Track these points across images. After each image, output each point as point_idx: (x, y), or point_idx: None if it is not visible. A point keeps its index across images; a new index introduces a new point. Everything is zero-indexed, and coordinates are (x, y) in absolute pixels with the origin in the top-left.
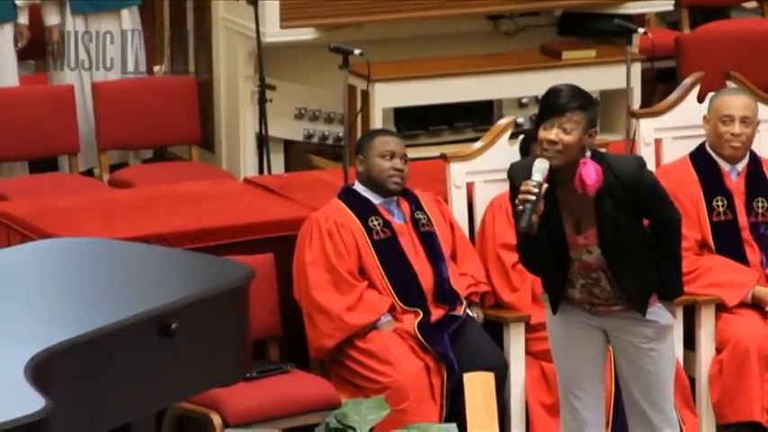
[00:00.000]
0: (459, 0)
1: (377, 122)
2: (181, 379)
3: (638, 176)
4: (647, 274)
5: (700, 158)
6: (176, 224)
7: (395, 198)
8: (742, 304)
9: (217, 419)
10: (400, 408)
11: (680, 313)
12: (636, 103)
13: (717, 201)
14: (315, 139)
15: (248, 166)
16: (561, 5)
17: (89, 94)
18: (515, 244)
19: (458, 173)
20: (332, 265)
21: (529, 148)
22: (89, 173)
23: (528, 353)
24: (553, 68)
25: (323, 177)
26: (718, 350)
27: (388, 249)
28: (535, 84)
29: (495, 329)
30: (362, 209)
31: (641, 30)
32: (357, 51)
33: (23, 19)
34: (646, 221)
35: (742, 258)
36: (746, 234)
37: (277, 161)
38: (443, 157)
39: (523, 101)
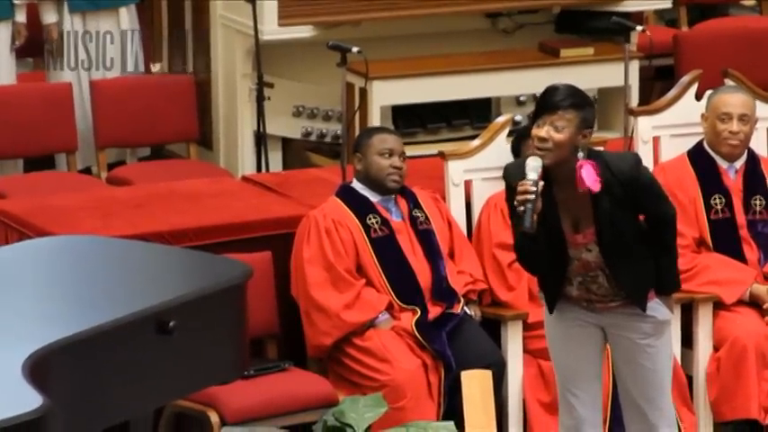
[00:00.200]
0: None
1: (375, 120)
2: (178, 377)
3: (634, 173)
4: (646, 271)
5: (698, 156)
6: (174, 222)
7: (393, 196)
8: (740, 302)
9: (214, 417)
10: (398, 405)
11: (677, 311)
12: (634, 100)
13: (715, 198)
14: (313, 137)
15: (246, 164)
16: (559, 3)
17: (87, 92)
18: (512, 244)
19: (456, 171)
20: (330, 263)
21: (520, 147)
22: (87, 171)
23: (525, 351)
24: (551, 66)
25: (321, 175)
26: (716, 348)
27: (386, 247)
28: (533, 82)
29: (493, 327)
30: (360, 207)
31: (639, 27)
32: (355, 49)
33: (21, 17)
34: (641, 217)
35: (740, 256)
36: (744, 232)
37: (275, 159)
38: (441, 155)
39: (521, 99)
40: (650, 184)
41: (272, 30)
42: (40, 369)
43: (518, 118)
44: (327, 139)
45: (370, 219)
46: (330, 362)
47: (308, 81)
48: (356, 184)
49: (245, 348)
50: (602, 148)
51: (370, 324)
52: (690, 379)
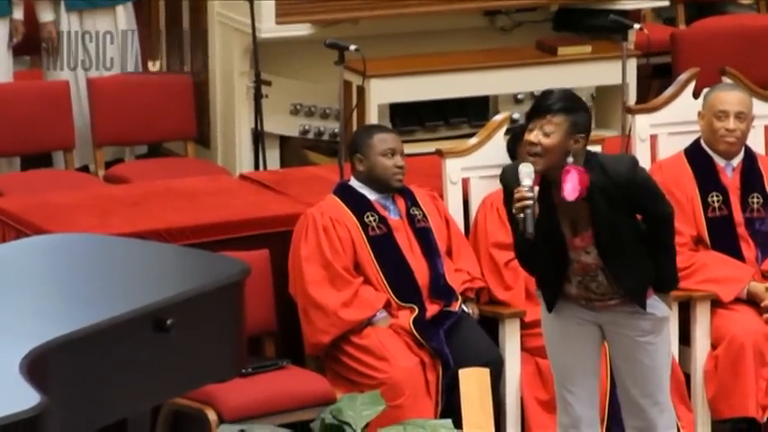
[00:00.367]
0: None
1: (372, 118)
2: (176, 375)
3: (631, 175)
4: (644, 269)
5: (695, 154)
6: (172, 220)
7: (391, 194)
8: (737, 300)
9: (212, 415)
10: (395, 403)
11: (675, 309)
12: (631, 98)
13: (712, 196)
14: (310, 135)
15: (244, 162)
16: (557, 1)
17: (84, 90)
18: (508, 243)
19: (453, 169)
20: (327, 261)
21: (516, 148)
22: (84, 169)
23: (523, 349)
24: (549, 64)
25: (318, 173)
26: (714, 346)
27: (384, 245)
28: (531, 80)
29: (491, 325)
30: (358, 205)
31: (637, 25)
32: (353, 47)
33: (19, 14)
34: (638, 216)
35: (737, 254)
36: (742, 230)
37: (272, 157)
38: (439, 153)
39: (519, 96)
40: (647, 185)
41: (269, 28)
42: (37, 367)
43: (516, 116)
44: (325, 137)
45: (367, 217)
46: (328, 360)
47: (306, 79)
48: (354, 183)
49: (243, 346)
50: (599, 148)
51: (368, 322)
52: (687, 377)
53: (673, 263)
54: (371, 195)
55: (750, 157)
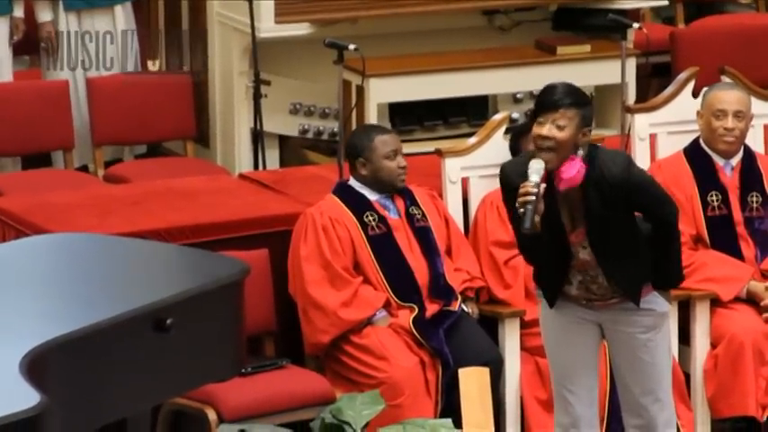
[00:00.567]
0: None
1: (372, 118)
2: (176, 374)
3: (626, 175)
4: (639, 267)
5: (694, 153)
6: (171, 219)
7: (390, 193)
8: (737, 299)
9: (212, 415)
10: (395, 403)
11: (675, 308)
12: (631, 98)
13: (711, 195)
14: (310, 135)
15: (243, 162)
16: (556, 1)
17: (83, 90)
18: (509, 242)
19: (453, 168)
20: (327, 261)
21: (518, 146)
22: (83, 169)
23: (523, 348)
24: (548, 63)
25: (318, 173)
26: (713, 345)
27: (384, 245)
28: (530, 79)
29: (490, 325)
30: (357, 204)
31: (636, 25)
32: (352, 47)
33: (19, 12)
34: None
35: (737, 253)
36: (741, 229)
37: (272, 156)
38: (438, 153)
39: (518, 96)
40: (646, 186)
41: (268, 27)
42: (37, 366)
43: (515, 115)
44: (324, 137)
45: (367, 216)
46: (327, 359)
47: (305, 78)
48: (353, 182)
49: (243, 346)
50: (599, 146)
51: (368, 322)
52: (687, 376)
53: (678, 261)
54: (371, 195)
55: (749, 156)
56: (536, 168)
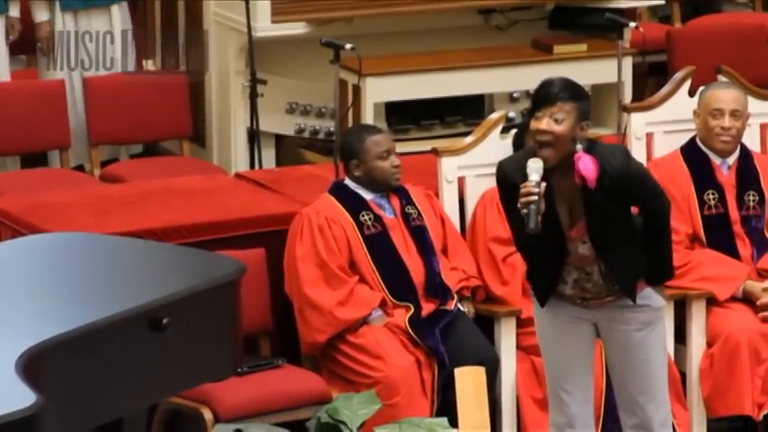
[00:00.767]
0: None
1: (368, 117)
2: (172, 374)
3: (624, 168)
4: (636, 262)
5: (691, 152)
6: (168, 219)
7: (386, 193)
8: (733, 298)
9: (208, 414)
10: (391, 402)
11: (671, 307)
12: (627, 97)
13: (708, 194)
14: (306, 134)
15: (239, 161)
16: (552, 0)
17: (79, 89)
18: (507, 238)
19: (449, 167)
20: (322, 261)
21: (522, 142)
22: (80, 169)
23: (519, 347)
24: (544, 63)
25: (314, 172)
26: (709, 344)
27: (379, 244)
28: (526, 78)
29: (486, 324)
30: (353, 204)
31: (632, 24)
32: (348, 46)
33: (15, 12)
34: (634, 210)
35: (733, 252)
36: (738, 228)
37: (268, 156)
38: (434, 152)
39: (515, 95)
40: (643, 179)
41: (265, 27)
42: (33, 366)
43: (511, 114)
44: (320, 136)
45: (363, 216)
46: (323, 359)
47: (302, 78)
48: (349, 182)
49: (239, 345)
50: (597, 141)
51: (364, 321)
52: (683, 375)
53: (669, 256)
54: (367, 194)
55: (746, 155)
56: (535, 168)
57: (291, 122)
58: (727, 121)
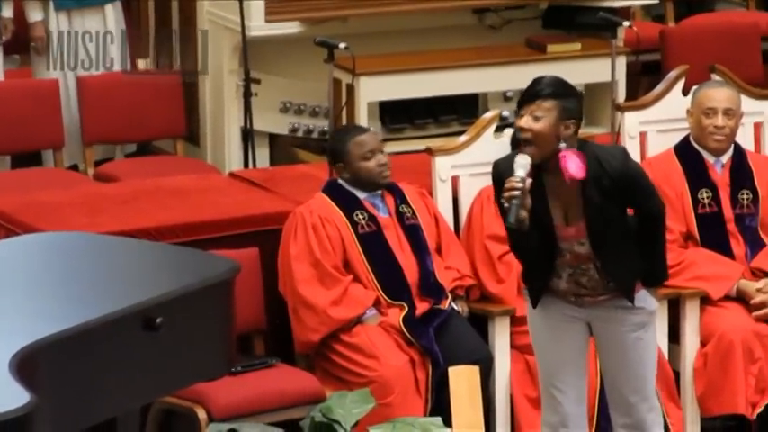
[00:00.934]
0: None
1: (362, 116)
2: (166, 373)
3: (623, 168)
4: (634, 263)
5: (684, 151)
6: (161, 218)
7: (379, 192)
8: (727, 297)
9: (202, 413)
10: (385, 401)
11: (665, 306)
12: (621, 96)
13: (702, 193)
14: (300, 133)
15: (233, 160)
16: None
17: (73, 88)
18: (503, 236)
19: (443, 166)
20: (316, 260)
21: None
22: (73, 168)
23: (513, 346)
24: (538, 62)
25: (308, 171)
26: (703, 343)
27: (373, 243)
28: (520, 77)
29: (481, 323)
30: (347, 203)
31: (626, 23)
32: (342, 45)
33: (8, 12)
34: (629, 211)
35: (727, 250)
36: (732, 226)
37: (262, 155)
38: (428, 151)
39: (508, 94)
40: (638, 178)
41: (259, 26)
42: (27, 366)
43: (505, 113)
44: (314, 135)
45: (357, 215)
46: (317, 358)
47: (295, 77)
48: (342, 182)
49: (233, 344)
50: (590, 142)
51: (358, 320)
52: (677, 374)
53: (663, 258)
54: (360, 194)
55: (739, 153)
56: (521, 163)
57: (285, 122)
58: (720, 120)
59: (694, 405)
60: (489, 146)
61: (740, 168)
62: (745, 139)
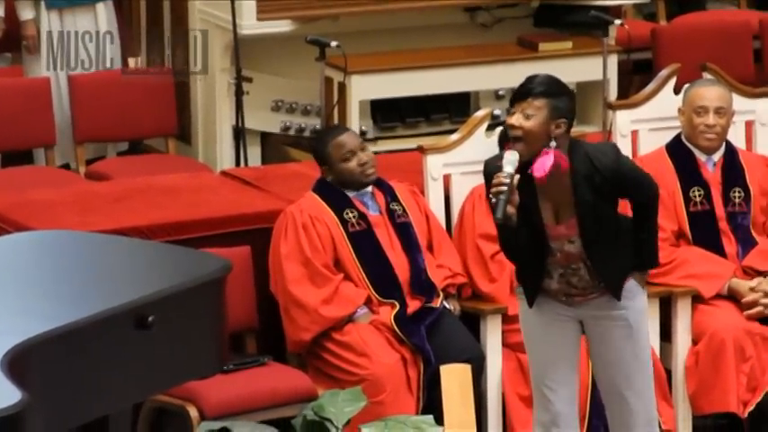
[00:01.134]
0: None
1: (353, 114)
2: (158, 371)
3: (614, 164)
4: (624, 260)
5: (676, 149)
6: (153, 217)
7: (369, 190)
8: (718, 296)
9: (193, 412)
10: (377, 400)
11: (656, 304)
12: (612, 94)
13: (693, 191)
14: (292, 132)
15: (225, 159)
16: None
17: (65, 87)
18: (496, 235)
19: (435, 165)
20: (307, 259)
21: (506, 141)
22: (65, 167)
23: (505, 345)
24: (530, 60)
25: (300, 170)
26: (695, 342)
27: (364, 241)
28: (512, 75)
29: (472, 321)
30: (337, 201)
31: (618, 21)
32: (334, 43)
33: None
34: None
35: (719, 249)
36: (723, 224)
37: (254, 153)
38: (420, 150)
39: (500, 93)
40: (631, 173)
41: (250, 24)
42: (18, 364)
43: (497, 112)
44: (306, 134)
45: (347, 213)
46: (309, 356)
47: (287, 76)
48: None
49: (225, 343)
50: (582, 140)
51: (349, 319)
52: (668, 372)
53: (655, 241)
54: (350, 192)
55: (731, 152)
56: (510, 159)
57: (277, 120)
58: (711, 119)
59: (686, 403)
60: (481, 144)
61: (732, 167)
62: (736, 137)
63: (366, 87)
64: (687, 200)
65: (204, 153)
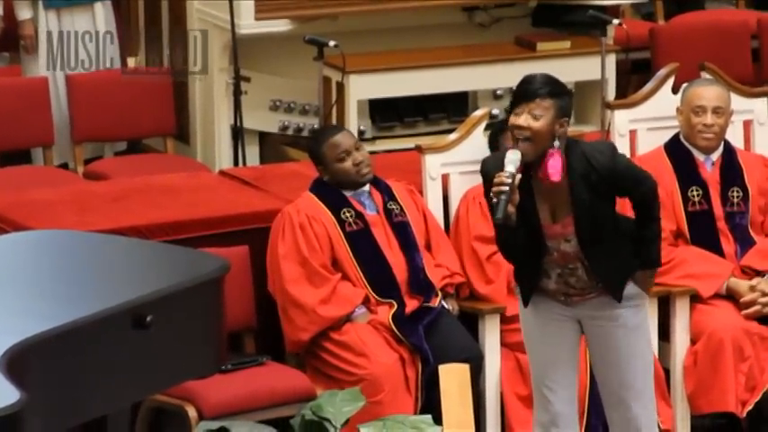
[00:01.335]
0: None
1: (352, 114)
2: (156, 371)
3: (611, 164)
4: (622, 261)
5: (674, 149)
6: (151, 216)
7: (367, 189)
8: (717, 296)
9: (192, 412)
10: (375, 399)
11: (655, 304)
12: (611, 94)
13: (692, 191)
14: (290, 131)
15: (223, 158)
16: None
17: (63, 86)
18: (491, 236)
19: (433, 164)
20: (304, 259)
21: (498, 141)
22: (63, 166)
23: (503, 344)
24: (528, 60)
25: (298, 169)
26: (693, 341)
27: (362, 241)
28: (510, 75)
29: (471, 321)
30: (334, 201)
31: (616, 21)
32: (332, 43)
33: None
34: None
35: (717, 248)
36: (722, 224)
37: (252, 153)
38: (418, 149)
39: (498, 92)
40: (628, 171)
41: (248, 24)
42: (17, 364)
43: (495, 112)
44: (304, 134)
45: (344, 213)
46: (307, 356)
47: (285, 75)
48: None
49: (223, 343)
50: (579, 140)
51: (347, 318)
52: (667, 372)
53: (658, 238)
54: (347, 191)
55: (729, 151)
56: (512, 159)
57: (275, 120)
58: (709, 119)
59: (684, 403)
60: (479, 144)
61: (730, 166)
62: (734, 137)
63: (364, 87)
64: (685, 199)
65: (202, 153)
